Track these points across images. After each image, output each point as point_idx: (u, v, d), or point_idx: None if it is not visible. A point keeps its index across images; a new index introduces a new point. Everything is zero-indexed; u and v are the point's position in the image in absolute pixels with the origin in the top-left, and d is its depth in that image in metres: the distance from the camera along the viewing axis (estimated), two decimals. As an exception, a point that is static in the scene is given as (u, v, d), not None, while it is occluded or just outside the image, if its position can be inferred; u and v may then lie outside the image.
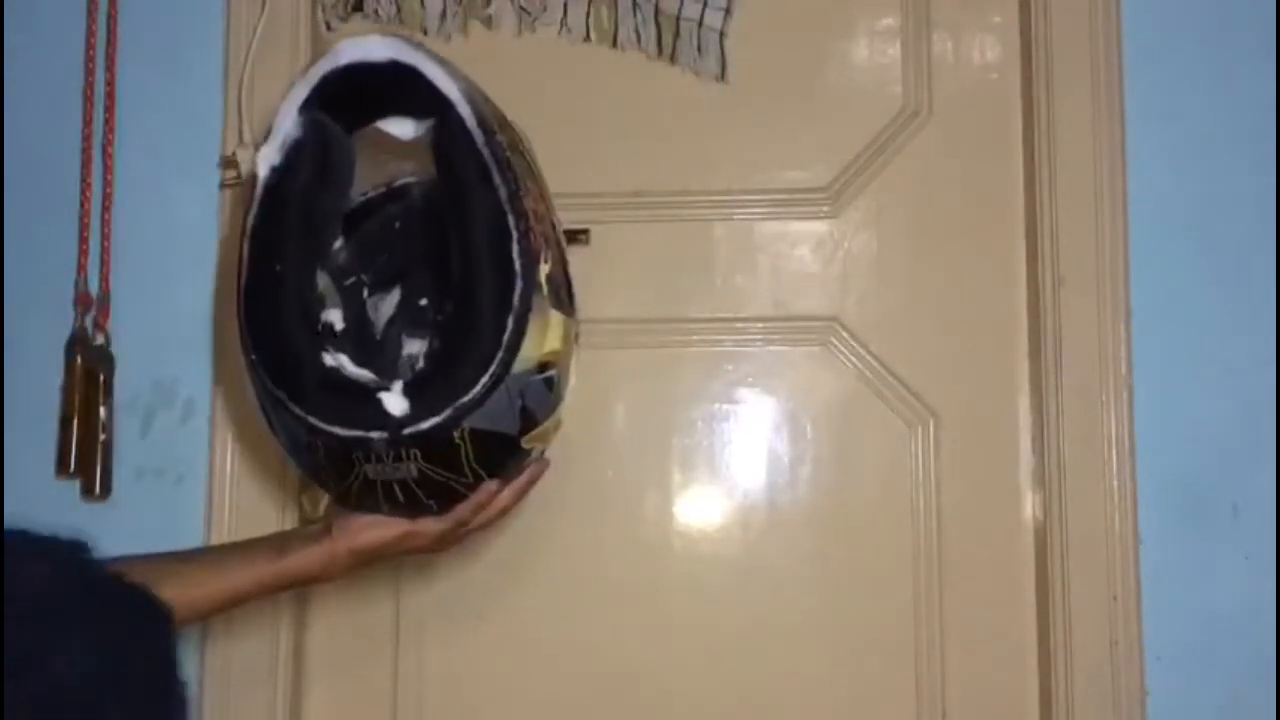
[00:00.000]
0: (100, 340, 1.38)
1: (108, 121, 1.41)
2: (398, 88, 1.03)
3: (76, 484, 1.37)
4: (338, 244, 1.10)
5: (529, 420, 1.00)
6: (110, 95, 1.42)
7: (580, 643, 1.38)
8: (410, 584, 1.39)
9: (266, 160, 1.01)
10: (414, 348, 1.14)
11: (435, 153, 1.03)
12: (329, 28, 1.44)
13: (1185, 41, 1.35)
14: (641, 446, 1.40)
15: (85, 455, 1.35)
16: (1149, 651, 1.29)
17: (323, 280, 1.06)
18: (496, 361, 0.94)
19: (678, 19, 1.40)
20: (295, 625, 1.37)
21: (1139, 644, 1.29)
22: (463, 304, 0.97)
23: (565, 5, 1.42)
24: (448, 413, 0.94)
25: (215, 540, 1.35)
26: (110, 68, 1.42)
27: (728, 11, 1.39)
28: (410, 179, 1.13)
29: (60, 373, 1.37)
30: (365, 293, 1.13)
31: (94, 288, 1.39)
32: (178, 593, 0.93)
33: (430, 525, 1.04)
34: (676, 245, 1.43)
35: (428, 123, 1.05)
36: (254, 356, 0.98)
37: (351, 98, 1.04)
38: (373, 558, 1.06)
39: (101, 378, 1.37)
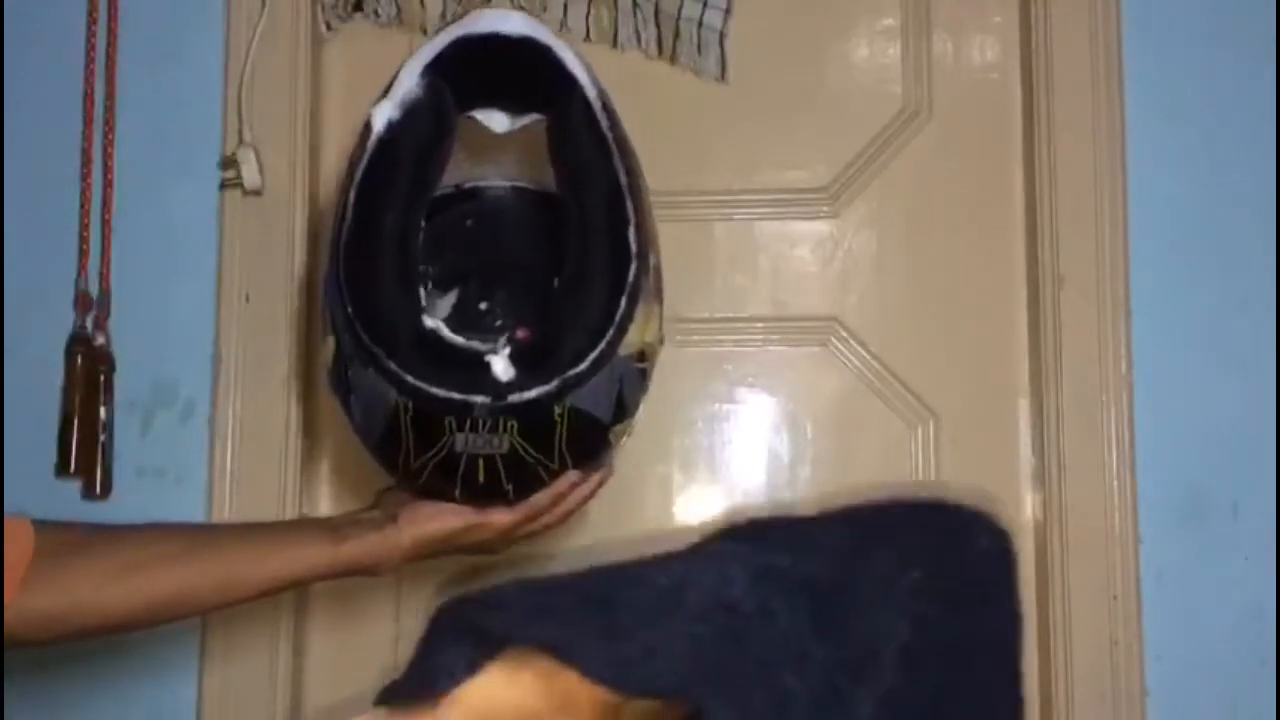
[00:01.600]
0: (100, 340, 1.38)
1: (108, 121, 1.41)
2: (519, 67, 1.01)
3: (77, 484, 1.37)
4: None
5: (621, 410, 0.98)
6: (110, 95, 1.42)
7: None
8: (410, 590, 1.39)
9: (384, 114, 0.98)
10: None
11: (556, 133, 1.01)
12: (329, 28, 1.44)
13: (1185, 42, 1.35)
14: (641, 446, 1.40)
15: (85, 455, 1.35)
16: (1149, 651, 1.29)
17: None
18: (606, 338, 0.93)
19: (678, 19, 1.40)
20: (294, 643, 1.37)
21: (1139, 644, 1.29)
22: (576, 280, 0.95)
23: (565, 5, 1.42)
24: (555, 383, 0.91)
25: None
26: (110, 68, 1.42)
27: (728, 11, 1.39)
28: (482, 183, 1.12)
29: (60, 373, 1.37)
30: (428, 284, 1.11)
31: (94, 288, 1.39)
32: (234, 569, 0.90)
33: (500, 517, 1.00)
34: (676, 245, 1.42)
35: (523, 119, 1.03)
36: (349, 310, 0.93)
37: (467, 73, 1.01)
38: (435, 550, 1.01)
39: (101, 378, 1.37)
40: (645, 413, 1.40)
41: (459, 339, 0.96)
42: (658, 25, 1.41)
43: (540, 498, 1.00)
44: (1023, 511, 1.37)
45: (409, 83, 0.99)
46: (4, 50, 1.42)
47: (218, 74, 1.42)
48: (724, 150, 1.43)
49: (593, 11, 1.42)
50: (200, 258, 1.40)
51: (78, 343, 1.37)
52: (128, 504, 1.37)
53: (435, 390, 0.91)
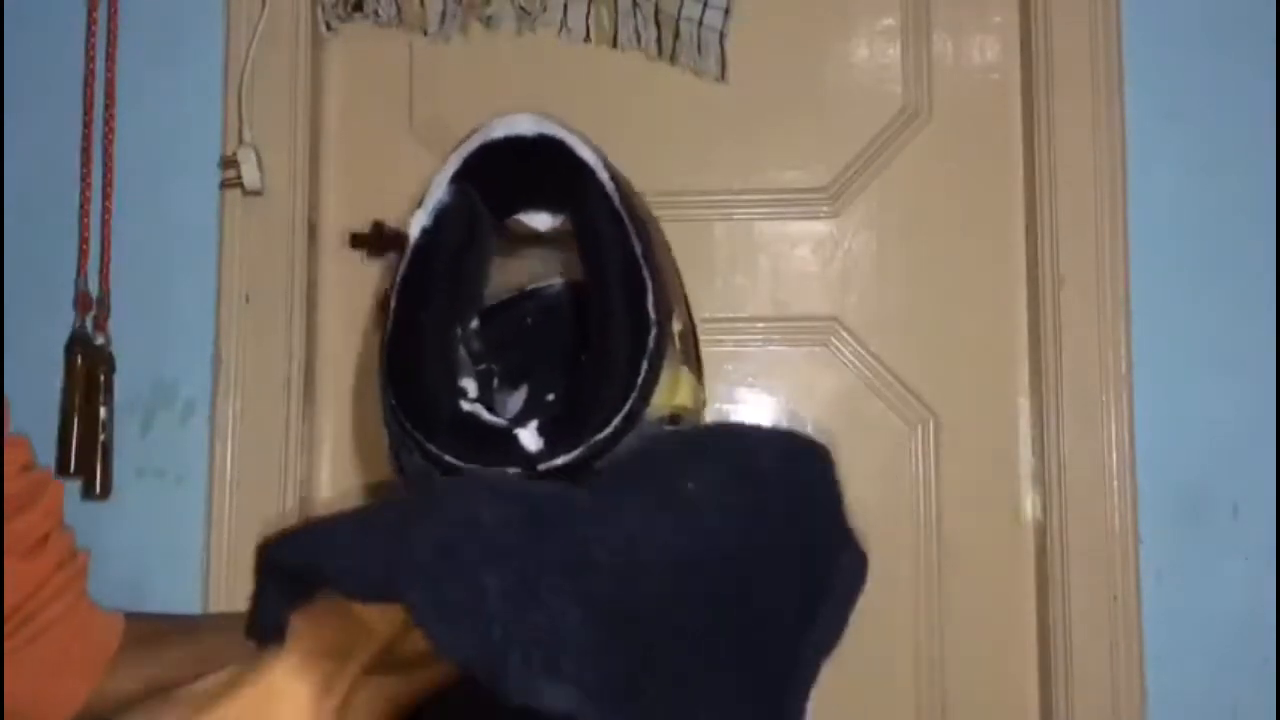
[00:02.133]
0: (100, 340, 1.38)
1: (108, 121, 1.41)
2: (542, 164, 1.05)
3: (77, 484, 1.37)
4: (474, 324, 1.11)
5: None
6: (110, 95, 1.42)
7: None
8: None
9: (418, 223, 1.04)
10: None
11: (573, 215, 1.05)
12: (329, 28, 1.44)
13: (1185, 42, 1.35)
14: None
15: (85, 455, 1.35)
16: (1149, 651, 1.29)
17: (461, 353, 1.07)
18: (630, 402, 0.94)
19: (678, 19, 1.40)
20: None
21: (1139, 644, 1.29)
22: (597, 351, 0.98)
23: (565, 5, 1.42)
24: (581, 450, 0.93)
25: (216, 541, 1.35)
26: (110, 67, 1.42)
27: (728, 11, 1.39)
28: (541, 284, 1.15)
29: (60, 373, 1.37)
30: (495, 381, 1.13)
31: (94, 288, 1.39)
32: (167, 670, 0.83)
33: None
34: (676, 245, 1.42)
35: (561, 217, 1.07)
36: (393, 401, 0.98)
37: (497, 177, 1.06)
38: None
39: (101, 378, 1.37)
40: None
41: (492, 418, 1.00)
42: (658, 25, 1.41)
43: None
44: (1023, 511, 1.37)
45: (439, 192, 1.05)
46: (5, 50, 1.42)
47: (218, 74, 1.42)
48: (724, 150, 1.43)
49: (593, 11, 1.42)
50: (200, 258, 1.40)
51: (78, 343, 1.37)
52: (128, 504, 1.37)
53: (471, 466, 0.95)
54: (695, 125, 1.43)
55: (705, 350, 1.41)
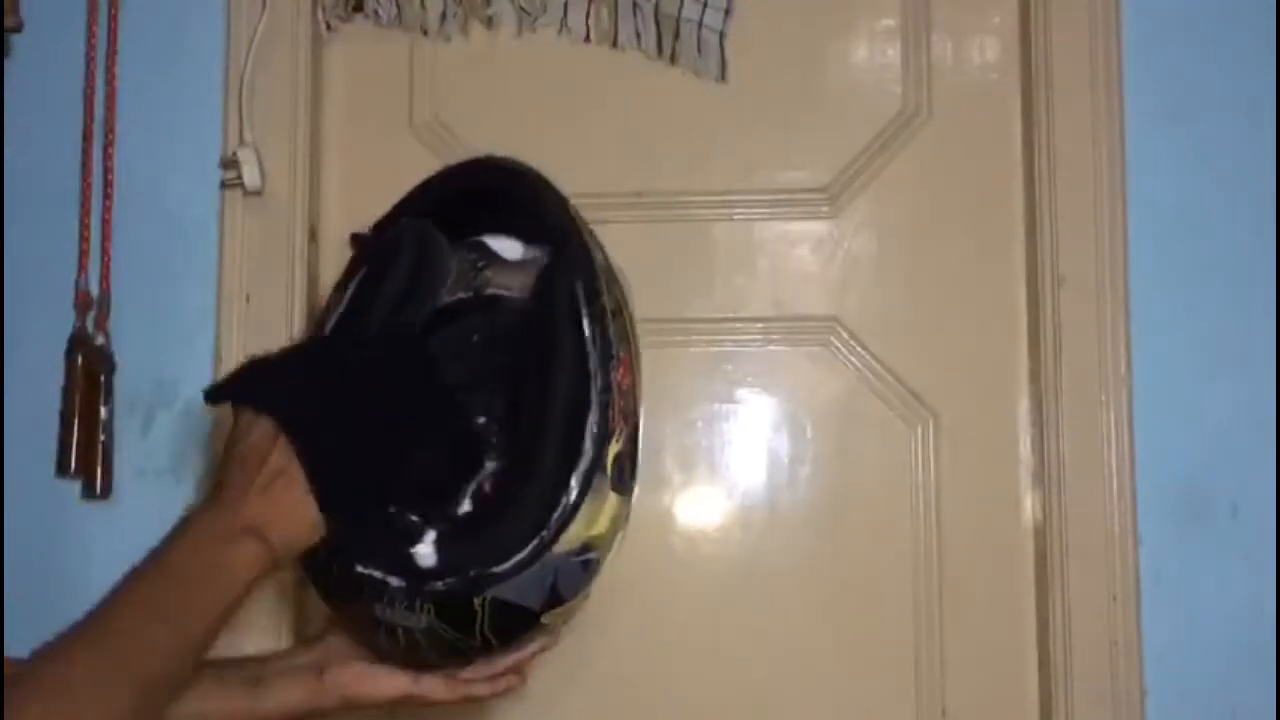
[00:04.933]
0: (100, 340, 1.38)
1: (108, 121, 1.41)
2: (517, 210, 1.03)
3: (77, 484, 1.37)
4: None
5: (554, 598, 0.95)
6: (110, 95, 1.42)
7: (578, 643, 1.38)
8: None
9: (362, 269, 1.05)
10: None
11: (538, 286, 1.01)
12: (329, 28, 1.44)
13: (1185, 42, 1.35)
14: (641, 446, 1.40)
15: (86, 456, 1.35)
16: (1149, 651, 1.29)
17: None
18: (538, 540, 0.91)
19: (678, 19, 1.40)
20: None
21: (1138, 644, 1.29)
22: (519, 465, 0.94)
23: (565, 5, 1.42)
24: (472, 578, 0.90)
25: None
26: (110, 68, 1.42)
27: (728, 12, 1.39)
28: (501, 291, 1.08)
29: (60, 373, 1.37)
30: None
31: (94, 288, 1.39)
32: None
33: (435, 690, 0.99)
34: (676, 245, 1.43)
35: (534, 249, 1.04)
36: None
37: (467, 208, 1.04)
38: (364, 708, 1.00)
39: (102, 378, 1.37)
40: (645, 412, 1.40)
41: (395, 510, 0.95)
42: (658, 25, 1.41)
43: (470, 674, 0.99)
44: (1022, 511, 1.37)
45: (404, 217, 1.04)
46: (4, 50, 1.42)
47: (218, 74, 1.42)
48: (724, 150, 1.43)
49: (593, 12, 1.42)
50: (200, 258, 1.40)
51: (78, 343, 1.37)
52: (128, 504, 1.37)
53: (356, 567, 0.91)
54: (695, 125, 1.43)
55: (705, 350, 1.42)
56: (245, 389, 0.93)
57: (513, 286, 1.06)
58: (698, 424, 1.41)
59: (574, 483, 0.92)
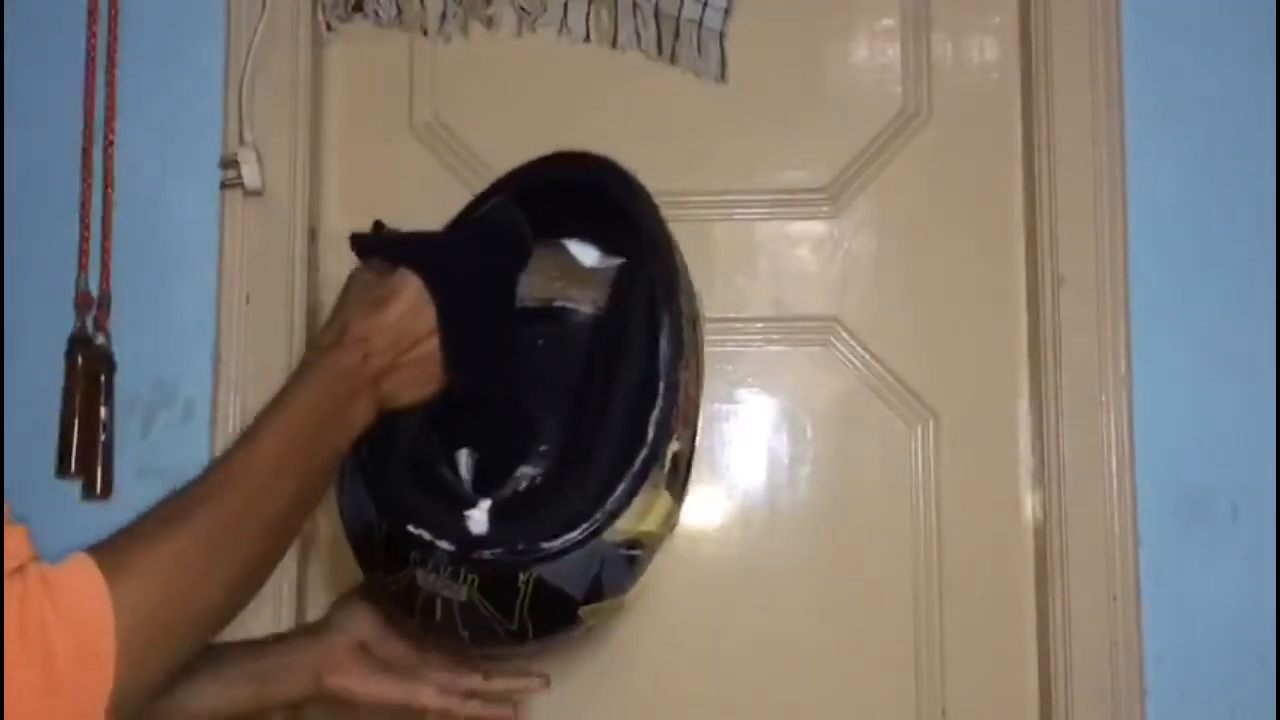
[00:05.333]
0: (100, 340, 1.38)
1: (108, 121, 1.41)
2: (608, 216, 1.04)
3: (77, 484, 1.37)
4: None
5: (596, 590, 0.95)
6: (110, 95, 1.42)
7: (578, 642, 1.38)
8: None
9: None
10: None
11: (616, 285, 1.03)
12: (329, 28, 1.44)
13: (1185, 41, 1.35)
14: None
15: (86, 456, 1.35)
16: (1149, 651, 1.29)
17: None
18: (590, 522, 0.91)
19: (678, 19, 1.40)
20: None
21: (1139, 644, 1.29)
22: (580, 450, 0.95)
23: (565, 5, 1.42)
24: (520, 551, 0.91)
25: None
26: (110, 68, 1.42)
27: (728, 11, 1.39)
28: (568, 304, 1.10)
29: (60, 373, 1.36)
30: None
31: (94, 288, 1.39)
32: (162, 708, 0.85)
33: (427, 698, 1.02)
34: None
35: (611, 261, 1.06)
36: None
37: (558, 206, 1.06)
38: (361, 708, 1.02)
39: (102, 378, 1.37)
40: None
41: (454, 478, 0.98)
42: (658, 25, 1.41)
43: (469, 709, 1.02)
44: (1022, 511, 1.37)
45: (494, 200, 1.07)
46: (5, 50, 1.42)
47: (218, 74, 1.42)
48: (724, 150, 1.43)
49: (593, 11, 1.42)
50: (200, 258, 1.40)
51: (78, 343, 1.37)
52: (128, 504, 1.35)
53: (407, 526, 0.92)
54: (695, 125, 1.43)
55: (705, 350, 1.41)
56: (405, 251, 0.97)
57: (581, 300, 1.08)
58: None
59: (634, 467, 0.93)
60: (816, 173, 1.42)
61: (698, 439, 1.39)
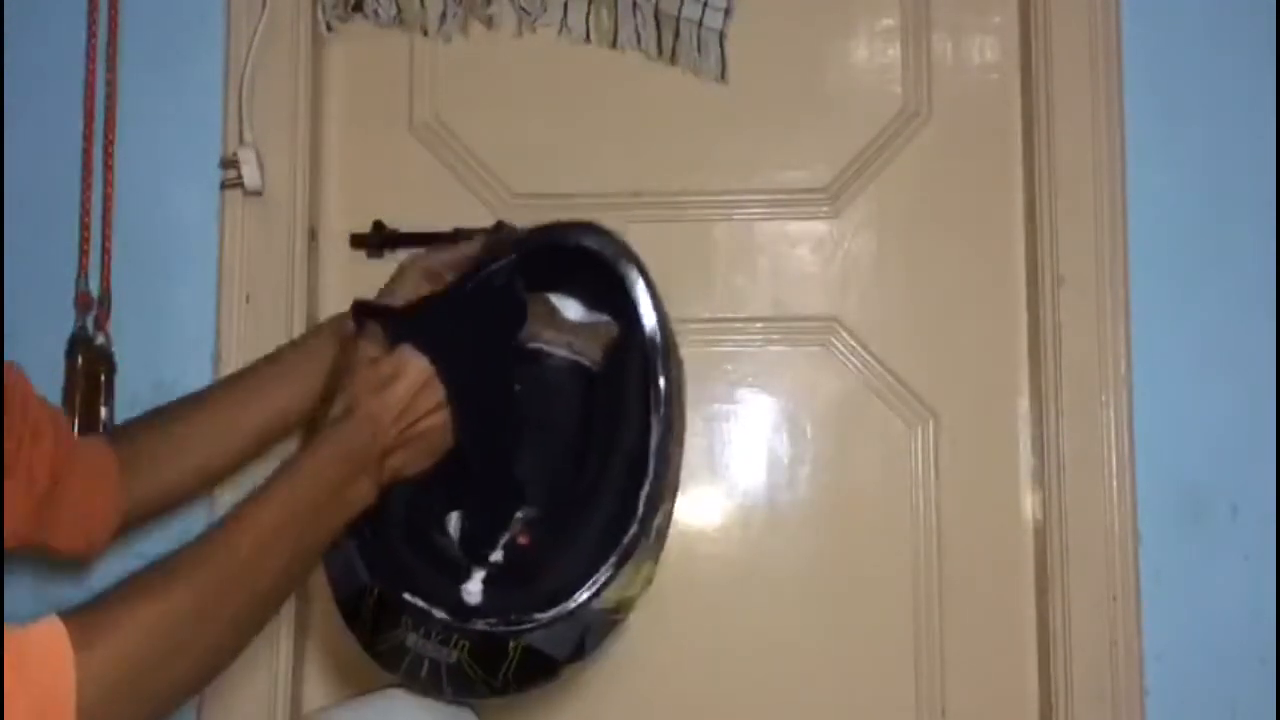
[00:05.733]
0: (100, 340, 1.38)
1: (108, 121, 1.41)
2: (602, 280, 1.07)
3: (77, 484, 1.37)
4: None
5: (579, 651, 0.99)
6: (110, 95, 1.42)
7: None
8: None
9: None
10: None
11: (615, 353, 1.06)
12: (329, 28, 1.44)
13: (1185, 41, 1.35)
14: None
15: (86, 455, 1.35)
16: (1149, 651, 1.29)
17: None
18: (579, 599, 0.94)
19: (678, 19, 1.40)
20: (294, 640, 1.37)
21: (1139, 643, 1.29)
22: (573, 521, 0.98)
23: (565, 5, 1.42)
24: (513, 621, 0.94)
25: None
26: (110, 68, 1.42)
27: (728, 12, 1.39)
28: (545, 347, 1.12)
29: (60, 373, 1.37)
30: None
31: (94, 288, 1.39)
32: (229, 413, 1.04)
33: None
34: (676, 245, 1.43)
35: (595, 315, 1.09)
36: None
37: (548, 265, 1.08)
38: None
39: (102, 378, 1.37)
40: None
41: (446, 542, 1.00)
42: (658, 25, 1.41)
43: None
44: (1023, 511, 1.37)
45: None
46: (5, 50, 1.42)
47: (218, 74, 1.42)
48: (724, 150, 1.43)
49: (593, 12, 1.42)
50: (200, 258, 1.40)
51: (78, 343, 1.37)
52: (128, 504, 1.37)
53: (403, 594, 0.95)
54: (695, 125, 1.43)
55: (705, 350, 1.42)
56: (410, 330, 0.97)
57: (556, 344, 1.10)
58: (698, 424, 1.41)
59: (623, 543, 0.96)
60: (816, 173, 1.42)
61: (696, 440, 1.41)
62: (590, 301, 1.12)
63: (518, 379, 1.09)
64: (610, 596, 0.96)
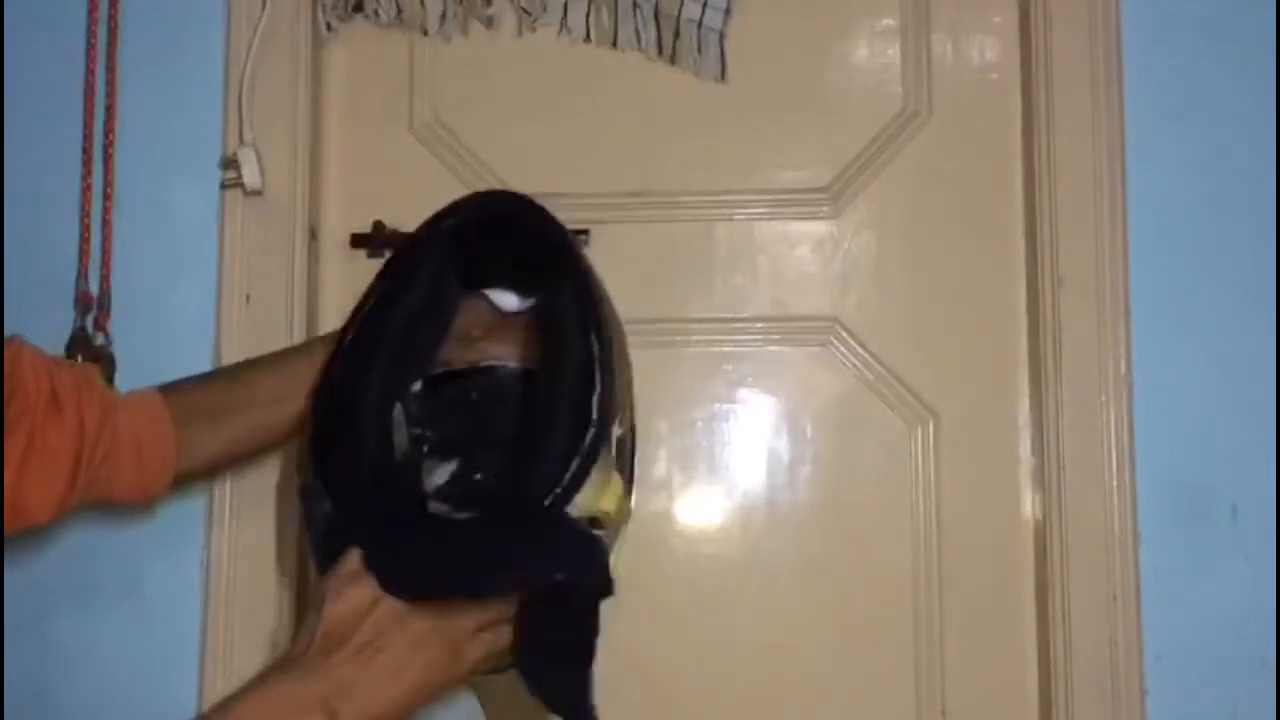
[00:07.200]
0: (100, 340, 1.38)
1: (108, 121, 1.41)
2: (522, 246, 1.07)
3: (77, 484, 1.37)
4: (416, 387, 1.10)
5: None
6: (110, 95, 1.42)
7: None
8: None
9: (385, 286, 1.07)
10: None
11: (541, 300, 1.07)
12: (329, 28, 1.44)
13: (1185, 41, 1.35)
14: (641, 446, 1.40)
15: (85, 455, 1.35)
16: (1149, 651, 1.29)
17: (398, 411, 1.07)
18: (553, 496, 0.94)
19: (678, 19, 1.40)
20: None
21: (1139, 644, 1.29)
22: (532, 437, 0.98)
23: (565, 5, 1.42)
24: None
25: (216, 545, 1.36)
26: (110, 68, 1.42)
27: (728, 11, 1.39)
28: (496, 363, 1.13)
29: (60, 373, 1.36)
30: (425, 448, 1.11)
31: (94, 288, 1.39)
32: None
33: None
34: (676, 245, 1.43)
35: (530, 300, 1.10)
36: (316, 446, 0.99)
37: (473, 252, 1.08)
38: None
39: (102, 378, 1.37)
40: (645, 413, 1.39)
41: (415, 477, 1.03)
42: (658, 25, 1.41)
43: None
44: (1022, 511, 1.37)
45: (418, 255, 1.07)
46: (5, 50, 1.42)
47: (218, 74, 1.42)
48: (724, 150, 1.43)
49: (593, 12, 1.42)
50: (200, 258, 1.40)
51: (78, 343, 1.37)
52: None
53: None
54: (695, 125, 1.43)
55: (705, 350, 1.42)
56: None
57: (507, 358, 1.12)
58: (698, 424, 1.41)
59: (585, 445, 0.96)
60: (816, 173, 1.42)
61: (696, 440, 1.41)
62: (522, 286, 1.12)
63: (475, 389, 1.11)
64: (582, 504, 0.96)
